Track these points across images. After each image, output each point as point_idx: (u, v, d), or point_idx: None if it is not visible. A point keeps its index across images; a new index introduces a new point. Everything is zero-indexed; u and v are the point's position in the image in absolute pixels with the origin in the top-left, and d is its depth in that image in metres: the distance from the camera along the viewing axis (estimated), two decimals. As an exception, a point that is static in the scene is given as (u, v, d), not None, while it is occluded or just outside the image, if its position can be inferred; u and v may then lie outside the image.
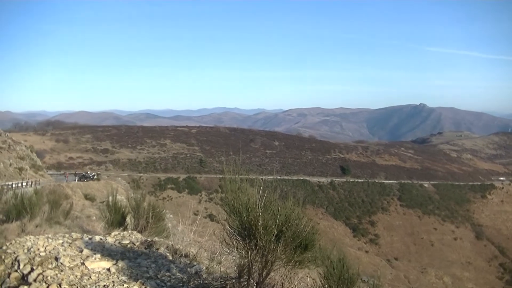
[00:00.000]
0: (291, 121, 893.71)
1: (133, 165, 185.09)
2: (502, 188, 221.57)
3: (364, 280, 8.00)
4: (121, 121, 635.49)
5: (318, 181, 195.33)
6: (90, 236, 11.55)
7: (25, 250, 9.73)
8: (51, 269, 8.73)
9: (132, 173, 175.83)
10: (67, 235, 11.50)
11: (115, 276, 8.54)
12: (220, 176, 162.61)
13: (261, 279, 7.39)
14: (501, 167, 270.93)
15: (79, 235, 11.78)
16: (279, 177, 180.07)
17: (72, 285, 8.14)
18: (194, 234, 13.55)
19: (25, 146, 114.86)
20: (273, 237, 6.88)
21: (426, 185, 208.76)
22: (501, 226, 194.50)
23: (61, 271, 8.67)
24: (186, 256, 10.48)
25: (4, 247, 9.98)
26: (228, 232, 7.35)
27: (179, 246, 11.19)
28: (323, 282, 7.77)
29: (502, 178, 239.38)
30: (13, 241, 10.40)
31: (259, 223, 6.86)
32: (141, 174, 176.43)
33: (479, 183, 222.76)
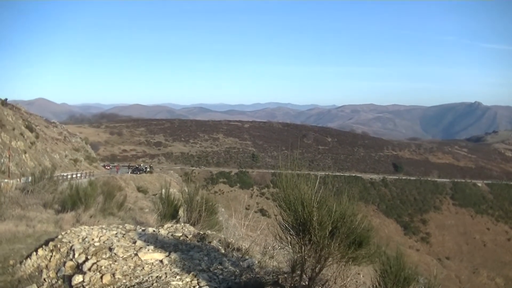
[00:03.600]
0: (344, 117, 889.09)
1: (186, 158, 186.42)
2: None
3: (417, 280, 7.86)
4: (175, 114, 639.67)
5: (370, 178, 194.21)
6: (143, 228, 11.65)
7: (80, 240, 9.87)
8: (105, 259, 8.84)
9: (185, 166, 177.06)
10: (120, 226, 11.64)
11: (168, 268, 8.60)
12: (272, 171, 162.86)
13: (314, 274, 7.36)
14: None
15: (132, 226, 11.91)
16: (331, 173, 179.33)
17: (125, 275, 8.22)
18: (246, 228, 13.53)
19: (80, 138, 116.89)
20: (328, 233, 6.84)
21: (479, 184, 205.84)
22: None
23: (115, 261, 8.77)
24: (238, 249, 10.49)
25: (59, 236, 10.14)
26: (282, 227, 7.33)
27: (232, 239, 11.21)
28: (378, 279, 7.70)
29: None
30: (68, 231, 10.56)
31: (314, 219, 6.82)
32: (193, 168, 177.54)
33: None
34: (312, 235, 6.90)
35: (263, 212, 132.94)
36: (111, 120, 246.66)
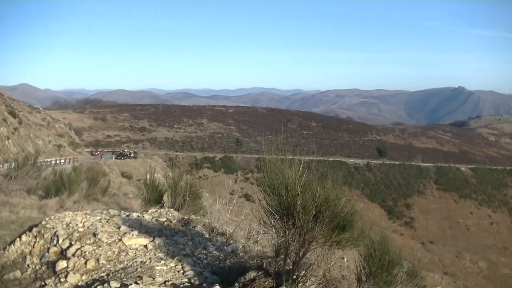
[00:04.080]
0: (329, 102, 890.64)
1: (170, 143, 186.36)
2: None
3: (401, 264, 7.90)
4: (159, 100, 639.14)
5: (355, 163, 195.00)
6: (127, 213, 11.65)
7: (64, 226, 9.86)
8: (89, 244, 8.83)
9: (169, 151, 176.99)
10: (104, 212, 11.63)
11: (152, 253, 8.61)
12: (257, 156, 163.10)
13: (298, 258, 7.38)
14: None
15: (116, 212, 11.90)
16: (315, 158, 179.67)
17: (109, 261, 8.23)
18: (230, 213, 13.59)
19: (64, 123, 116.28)
20: (311, 217, 6.85)
21: (463, 169, 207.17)
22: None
23: (99, 246, 8.76)
24: (222, 234, 10.52)
25: (43, 222, 10.12)
26: (266, 211, 7.33)
27: (216, 224, 11.25)
28: (362, 263, 7.74)
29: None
30: (52, 217, 10.54)
31: (298, 203, 6.83)
32: (178, 153, 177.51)
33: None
34: (296, 219, 6.92)
35: (247, 197, 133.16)
36: (95, 106, 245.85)
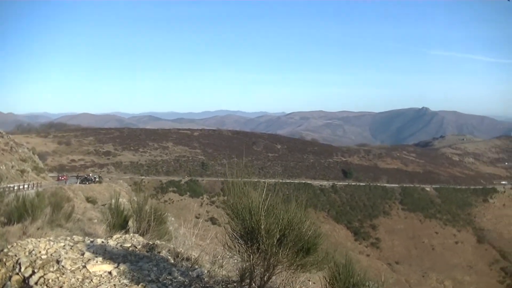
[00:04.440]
0: (294, 124, 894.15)
1: (135, 167, 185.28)
2: (504, 192, 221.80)
3: (367, 285, 7.90)
4: (124, 123, 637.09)
5: (320, 185, 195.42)
6: (91, 239, 11.51)
7: (27, 253, 9.71)
8: (52, 272, 8.71)
9: (134, 175, 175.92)
10: (68, 238, 11.48)
11: (117, 279, 8.51)
12: (222, 179, 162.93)
13: (263, 282, 7.37)
14: (503, 171, 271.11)
15: (80, 238, 11.76)
16: (281, 180, 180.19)
17: (73, 288, 8.12)
18: (195, 237, 13.49)
19: (27, 148, 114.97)
20: (275, 240, 6.86)
21: (428, 189, 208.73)
22: (503, 230, 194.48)
23: (63, 274, 8.65)
24: (187, 259, 10.45)
25: (5, 250, 9.96)
26: (230, 236, 7.32)
27: (181, 249, 11.16)
28: (328, 286, 7.73)
29: (504, 182, 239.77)
30: (15, 244, 10.38)
31: (262, 227, 6.84)
32: (143, 177, 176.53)
33: (481, 187, 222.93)
34: (260, 243, 6.92)
35: (213, 220, 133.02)
36: (59, 130, 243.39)
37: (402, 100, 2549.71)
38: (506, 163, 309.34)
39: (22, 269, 8.94)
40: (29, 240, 10.78)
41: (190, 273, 9.18)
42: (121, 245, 11.12)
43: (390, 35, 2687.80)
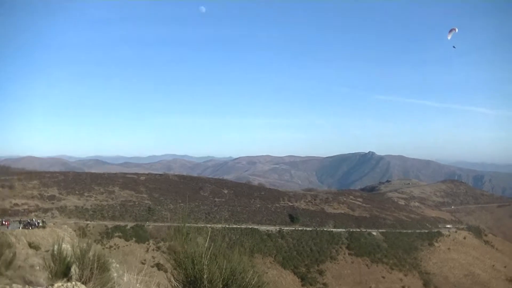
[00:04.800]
0: (241, 169, 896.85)
1: (80, 212, 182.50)
2: (449, 235, 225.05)
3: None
4: (69, 167, 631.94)
5: (267, 230, 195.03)
6: (32, 288, 11.22)
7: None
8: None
9: (79, 220, 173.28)
10: (7, 287, 11.18)
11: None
12: (168, 224, 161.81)
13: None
14: (448, 215, 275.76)
15: (20, 286, 11.47)
16: (228, 226, 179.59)
17: None
18: (140, 284, 13.27)
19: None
20: (219, 291, 6.73)
21: (374, 233, 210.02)
22: (448, 274, 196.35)
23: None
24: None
25: None
26: (173, 285, 7.18)
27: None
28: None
29: (449, 226, 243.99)
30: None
31: (205, 276, 6.71)
32: (88, 222, 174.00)
33: (426, 231, 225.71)
34: (204, 293, 6.78)
35: (159, 266, 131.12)
36: (2, 173, 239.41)
37: (348, 145, 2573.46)
38: (453, 207, 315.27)
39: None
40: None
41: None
42: (62, 294, 10.85)
43: (335, 79, 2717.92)
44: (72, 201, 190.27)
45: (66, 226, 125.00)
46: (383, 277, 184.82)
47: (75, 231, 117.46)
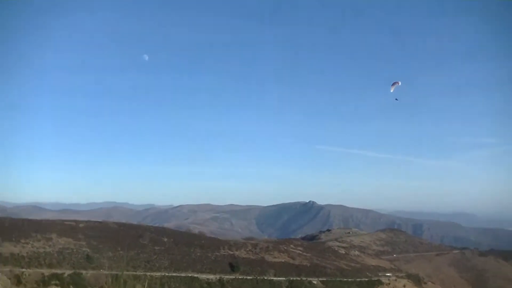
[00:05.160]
0: (181, 217, 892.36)
1: (16, 259, 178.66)
2: (389, 283, 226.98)
3: None
4: (6, 213, 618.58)
5: (207, 278, 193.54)
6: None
7: None
8: None
9: (15, 268, 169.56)
10: None
11: None
12: (107, 272, 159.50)
13: None
14: (387, 263, 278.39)
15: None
16: (167, 274, 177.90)
17: None
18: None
19: None
20: None
21: (315, 282, 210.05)
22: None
23: None
24: None
25: None
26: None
27: None
28: None
29: (388, 274, 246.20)
30: None
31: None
32: (23, 269, 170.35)
33: (366, 279, 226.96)
34: None
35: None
36: None
37: (289, 194, 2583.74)
38: (394, 255, 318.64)
39: None
40: None
41: None
42: None
43: (274, 130, 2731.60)
44: (8, 248, 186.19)
45: (0, 274, 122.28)
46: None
47: (10, 279, 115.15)
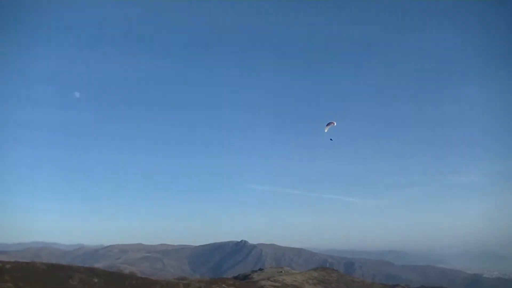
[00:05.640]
0: (112, 257, 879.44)
1: None
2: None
3: None
4: None
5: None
6: None
7: None
8: None
9: None
10: None
11: None
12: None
13: None
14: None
15: None
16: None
17: None
18: None
19: None
20: None
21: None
22: None
23: None
24: None
25: None
26: None
27: None
28: None
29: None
30: None
31: None
32: None
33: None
34: None
35: None
36: None
37: (221, 233, 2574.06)
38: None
39: None
40: None
41: None
42: None
43: (206, 168, 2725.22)
44: None
45: None
46: None
47: None
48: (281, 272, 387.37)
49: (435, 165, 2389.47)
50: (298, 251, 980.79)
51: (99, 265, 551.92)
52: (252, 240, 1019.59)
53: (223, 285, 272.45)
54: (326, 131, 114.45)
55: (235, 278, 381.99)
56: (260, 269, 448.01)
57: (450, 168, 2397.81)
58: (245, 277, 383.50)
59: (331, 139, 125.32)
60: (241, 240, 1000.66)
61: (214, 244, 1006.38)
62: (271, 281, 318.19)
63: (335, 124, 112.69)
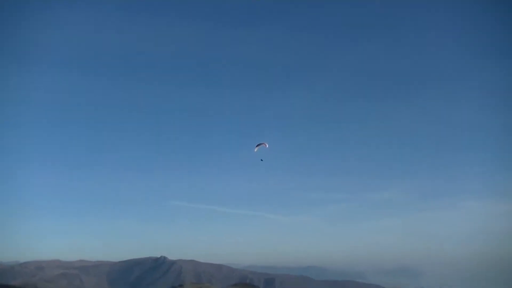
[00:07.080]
0: (28, 274, 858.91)
1: None
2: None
3: None
4: None
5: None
6: None
7: None
8: None
9: None
10: None
11: None
12: None
13: None
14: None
15: None
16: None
17: None
18: None
19: None
20: None
21: None
22: None
23: None
24: None
25: None
26: None
27: None
28: None
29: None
30: None
31: None
32: None
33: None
34: None
35: None
36: None
37: (140, 249, 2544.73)
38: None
39: None
40: None
41: None
42: None
43: (126, 184, 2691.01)
44: None
45: None
46: None
47: None
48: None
49: (358, 182, 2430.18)
50: (219, 267, 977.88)
51: (15, 282, 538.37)
52: (172, 256, 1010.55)
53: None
54: (255, 151, 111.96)
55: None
56: (180, 286, 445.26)
57: (372, 186, 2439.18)
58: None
59: (261, 160, 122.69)
60: (161, 256, 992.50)
61: (133, 260, 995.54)
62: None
63: (267, 146, 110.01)
